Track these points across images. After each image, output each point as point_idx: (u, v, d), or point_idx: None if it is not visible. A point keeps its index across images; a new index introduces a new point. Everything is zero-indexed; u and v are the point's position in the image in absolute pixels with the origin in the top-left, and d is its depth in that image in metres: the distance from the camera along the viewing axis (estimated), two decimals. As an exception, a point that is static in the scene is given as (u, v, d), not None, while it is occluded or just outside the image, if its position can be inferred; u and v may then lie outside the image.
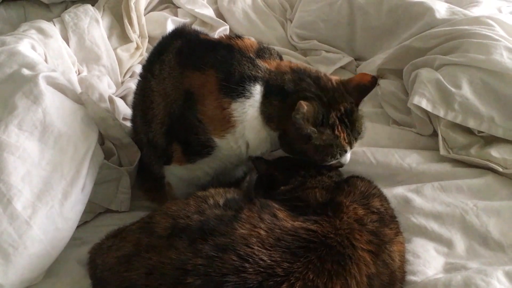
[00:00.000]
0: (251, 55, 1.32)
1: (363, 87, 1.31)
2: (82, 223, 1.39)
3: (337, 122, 1.23)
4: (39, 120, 1.28)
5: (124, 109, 1.80)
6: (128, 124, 1.67)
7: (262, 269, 0.94)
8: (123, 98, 1.92)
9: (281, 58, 1.42)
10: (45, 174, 1.23)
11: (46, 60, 1.62)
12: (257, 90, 1.26)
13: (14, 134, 1.23)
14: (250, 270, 0.94)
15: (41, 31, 1.76)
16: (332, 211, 1.10)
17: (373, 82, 1.31)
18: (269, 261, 0.95)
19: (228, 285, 0.92)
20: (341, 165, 1.35)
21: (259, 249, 0.97)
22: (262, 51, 1.37)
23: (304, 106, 1.17)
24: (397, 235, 1.16)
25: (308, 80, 1.28)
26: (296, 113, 1.17)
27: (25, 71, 1.37)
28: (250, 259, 0.95)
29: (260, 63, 1.31)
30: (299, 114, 1.17)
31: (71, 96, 1.45)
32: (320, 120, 1.22)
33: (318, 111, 1.21)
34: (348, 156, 1.32)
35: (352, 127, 1.27)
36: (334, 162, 1.29)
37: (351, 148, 1.29)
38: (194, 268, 0.94)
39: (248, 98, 1.25)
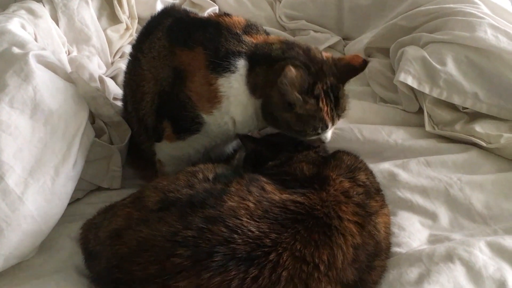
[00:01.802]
0: (238, 31, 1.32)
1: (352, 68, 1.30)
2: (74, 200, 1.40)
3: (322, 94, 1.22)
4: (30, 98, 1.27)
5: (115, 89, 1.80)
6: (119, 103, 1.66)
7: (250, 240, 0.95)
8: (113, 78, 1.92)
9: (268, 35, 1.42)
10: (36, 151, 1.23)
11: (36, 40, 1.60)
12: (241, 64, 1.26)
13: (5, 111, 1.22)
14: (239, 241, 0.95)
15: (30, 11, 1.74)
16: (318, 184, 1.11)
17: (363, 65, 1.30)
18: (257, 232, 0.97)
19: (218, 255, 0.93)
20: (322, 142, 1.34)
21: (248, 220, 0.98)
22: (249, 27, 1.37)
23: (293, 70, 1.16)
24: (382, 207, 1.17)
25: (297, 50, 1.28)
26: (283, 77, 1.16)
27: (16, 50, 1.36)
28: (239, 230, 0.96)
29: (246, 38, 1.31)
30: (286, 78, 1.16)
31: (61, 75, 1.44)
32: (305, 88, 1.21)
33: (305, 78, 1.20)
34: (329, 134, 1.31)
35: (336, 103, 1.26)
36: (314, 136, 1.28)
37: (333, 124, 1.28)
38: (184, 240, 0.95)
39: (233, 73, 1.26)
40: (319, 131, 1.26)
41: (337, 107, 1.27)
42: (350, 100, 1.33)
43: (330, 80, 1.24)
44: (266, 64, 1.26)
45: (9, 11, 1.70)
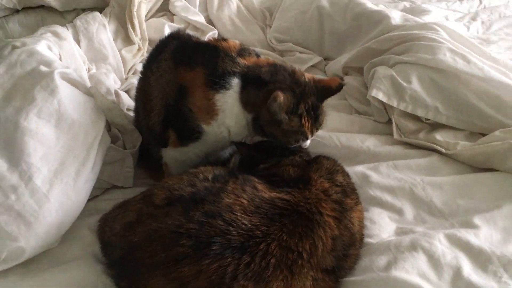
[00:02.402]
0: (233, 54, 1.32)
1: (330, 89, 1.31)
2: (93, 197, 1.40)
3: (305, 113, 1.24)
4: (55, 110, 1.28)
5: (128, 101, 1.80)
6: (131, 114, 1.66)
7: (244, 232, 0.96)
8: (127, 92, 1.91)
9: (258, 57, 1.43)
10: (60, 155, 1.23)
11: (60, 59, 1.60)
12: (235, 82, 1.27)
13: (33, 121, 1.23)
14: (234, 232, 0.96)
15: (56, 34, 1.74)
16: (302, 184, 1.12)
17: (339, 87, 1.31)
18: (249, 225, 0.98)
19: (216, 245, 0.94)
20: (303, 149, 1.35)
21: (242, 215, 0.99)
22: (243, 51, 1.37)
23: (281, 96, 1.18)
24: (356, 204, 1.18)
25: (284, 73, 1.28)
26: (273, 101, 1.17)
27: (43, 68, 1.36)
28: (234, 224, 0.97)
29: (240, 60, 1.31)
30: (276, 102, 1.17)
31: (82, 89, 1.44)
32: (291, 109, 1.22)
33: (290, 101, 1.22)
34: (308, 142, 1.33)
35: (315, 119, 1.27)
36: (296, 145, 1.30)
37: (312, 135, 1.30)
38: (187, 231, 0.96)
39: (228, 90, 1.26)
40: (300, 141, 1.28)
41: (316, 122, 1.28)
42: (329, 112, 1.34)
43: (311, 100, 1.26)
44: (256, 84, 1.26)
45: (37, 34, 1.70)
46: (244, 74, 1.29)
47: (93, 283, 1.10)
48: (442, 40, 1.65)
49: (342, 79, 1.89)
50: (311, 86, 1.28)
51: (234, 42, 1.39)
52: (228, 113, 1.28)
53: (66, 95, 1.34)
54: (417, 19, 2.01)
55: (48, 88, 1.30)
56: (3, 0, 2.13)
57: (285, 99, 1.19)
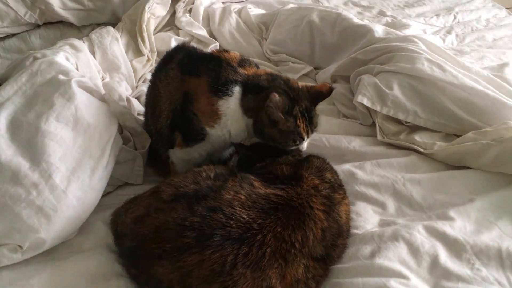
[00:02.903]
0: (234, 64, 1.32)
1: (321, 94, 1.31)
2: (106, 193, 1.38)
3: (299, 114, 1.23)
4: (72, 114, 1.27)
5: (138, 107, 1.79)
6: (141, 118, 1.66)
7: (242, 224, 0.96)
8: (137, 98, 1.90)
9: (257, 67, 1.42)
10: (77, 155, 1.23)
11: (77, 69, 1.59)
12: (237, 90, 1.27)
13: (53, 125, 1.22)
14: (233, 225, 0.96)
15: (73, 46, 1.73)
16: (295, 181, 1.12)
17: (330, 91, 1.32)
18: (247, 218, 0.97)
19: (217, 236, 0.94)
20: (300, 151, 1.33)
21: (240, 209, 0.99)
22: (243, 62, 1.37)
23: (276, 96, 1.17)
24: (344, 198, 1.18)
25: (279, 80, 1.28)
26: (269, 101, 1.17)
27: (61, 77, 1.36)
28: (233, 217, 0.97)
29: (241, 70, 1.31)
30: (272, 102, 1.17)
31: (96, 96, 1.44)
32: (286, 110, 1.22)
33: (285, 102, 1.21)
34: (305, 144, 1.31)
35: (310, 121, 1.26)
36: (294, 147, 1.28)
37: (307, 137, 1.28)
38: (191, 224, 0.96)
39: (230, 96, 1.26)
40: (297, 142, 1.26)
41: (311, 124, 1.27)
42: (320, 117, 1.33)
43: (304, 104, 1.25)
44: (255, 91, 1.26)
45: (56, 47, 1.69)
46: (244, 82, 1.29)
47: (107, 271, 1.10)
48: (420, 51, 1.65)
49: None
50: (304, 92, 1.29)
51: (235, 53, 1.39)
52: (230, 117, 1.28)
53: (82, 101, 1.33)
54: (398, 32, 2.00)
55: (66, 95, 1.30)
56: (25, 16, 2.12)
57: (280, 99, 1.19)
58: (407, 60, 1.63)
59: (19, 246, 1.08)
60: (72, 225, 1.18)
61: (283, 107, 1.21)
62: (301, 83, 1.33)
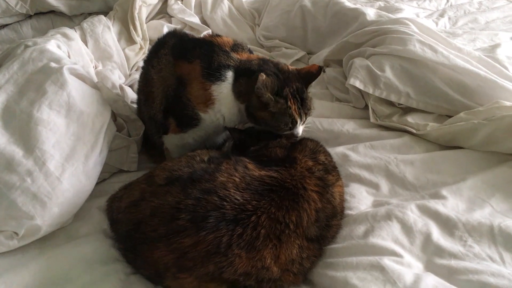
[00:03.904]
0: (227, 49, 1.31)
1: (311, 74, 1.30)
2: (101, 180, 1.39)
3: (290, 96, 1.22)
4: (64, 101, 1.26)
5: (132, 95, 1.78)
6: (134, 105, 1.65)
7: (236, 206, 0.96)
8: (131, 86, 1.89)
9: (251, 52, 1.42)
10: (70, 142, 1.22)
11: (69, 57, 1.57)
12: (229, 75, 1.26)
13: (45, 112, 1.21)
14: (228, 207, 0.96)
15: (65, 35, 1.72)
16: (288, 163, 1.12)
17: (319, 71, 1.31)
18: (241, 200, 0.98)
19: (211, 218, 0.94)
20: (296, 137, 1.31)
21: (234, 191, 0.99)
22: (236, 46, 1.36)
23: (264, 76, 1.17)
24: (337, 180, 1.18)
25: (270, 64, 1.28)
26: (258, 82, 1.17)
27: (53, 64, 1.34)
28: (228, 199, 0.97)
29: (234, 55, 1.31)
30: (260, 82, 1.17)
31: (89, 83, 1.42)
32: (275, 90, 1.21)
33: (274, 82, 1.21)
34: (300, 129, 1.30)
35: (302, 102, 1.25)
36: (288, 131, 1.27)
37: (301, 120, 1.27)
38: (185, 207, 0.96)
39: (223, 81, 1.25)
40: (290, 125, 1.25)
41: (303, 106, 1.26)
42: (314, 101, 1.33)
43: (295, 85, 1.25)
44: (247, 76, 1.25)
45: (48, 35, 1.68)
46: (237, 67, 1.28)
47: (103, 256, 1.10)
48: (412, 33, 1.64)
49: (324, 70, 1.88)
50: (294, 73, 1.28)
51: (228, 38, 1.38)
52: (223, 102, 1.27)
53: (75, 88, 1.32)
54: (390, 14, 2.00)
55: (58, 82, 1.29)
56: (16, 6, 2.10)
57: (268, 79, 1.19)
58: (399, 42, 1.62)
59: (15, 233, 1.08)
60: (68, 211, 1.18)
61: (272, 87, 1.20)
62: (291, 67, 1.33)
